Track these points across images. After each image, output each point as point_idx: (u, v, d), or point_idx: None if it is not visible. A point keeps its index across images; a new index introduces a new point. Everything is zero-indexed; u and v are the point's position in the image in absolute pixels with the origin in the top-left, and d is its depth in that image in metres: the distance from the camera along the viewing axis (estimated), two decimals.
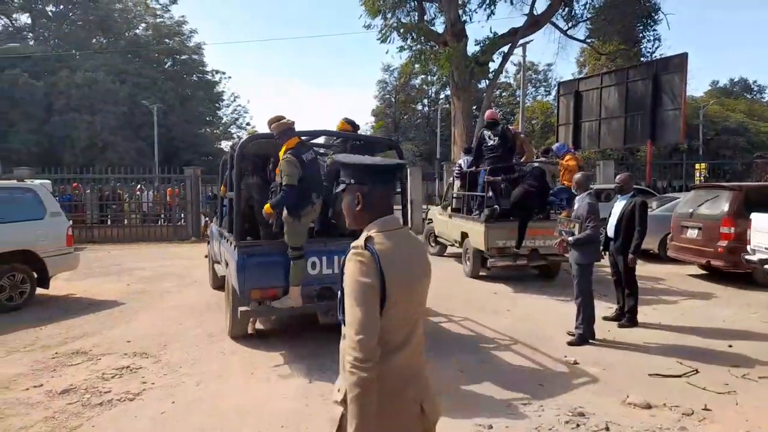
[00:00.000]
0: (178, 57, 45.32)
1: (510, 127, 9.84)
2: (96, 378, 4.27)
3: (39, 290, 6.99)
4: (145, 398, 3.91)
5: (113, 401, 3.82)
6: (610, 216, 5.99)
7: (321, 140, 6.44)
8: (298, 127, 4.95)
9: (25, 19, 40.91)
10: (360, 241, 1.62)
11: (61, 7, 40.45)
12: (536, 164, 8.64)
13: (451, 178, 11.05)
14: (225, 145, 50.45)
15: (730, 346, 5.11)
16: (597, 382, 4.20)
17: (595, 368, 4.52)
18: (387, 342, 1.59)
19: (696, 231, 8.40)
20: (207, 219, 14.54)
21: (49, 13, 40.71)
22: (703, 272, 8.94)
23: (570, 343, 5.17)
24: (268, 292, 4.77)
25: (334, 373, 4.39)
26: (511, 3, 18.19)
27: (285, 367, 4.56)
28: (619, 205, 5.93)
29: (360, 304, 1.54)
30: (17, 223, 6.77)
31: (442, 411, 1.79)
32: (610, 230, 5.94)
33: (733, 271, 7.95)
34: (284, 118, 4.89)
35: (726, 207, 7.98)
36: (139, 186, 16.91)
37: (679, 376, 4.32)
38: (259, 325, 5.89)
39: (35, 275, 6.88)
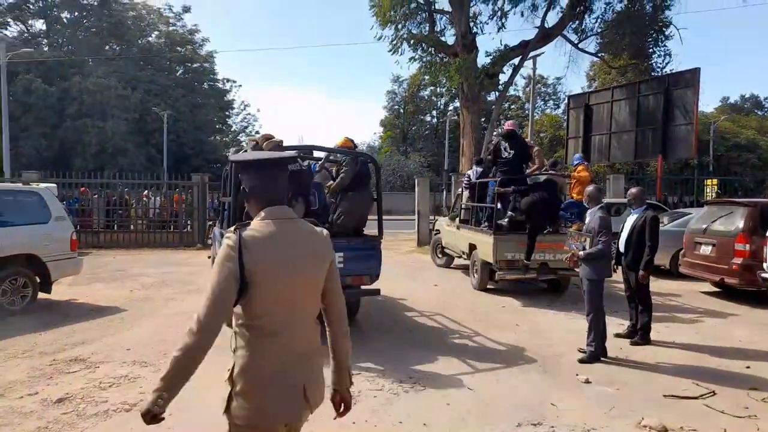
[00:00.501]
0: (189, 65, 45.84)
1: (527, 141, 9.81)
2: (93, 387, 4.16)
3: (41, 295, 6.92)
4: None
5: (109, 412, 3.71)
6: (622, 230, 5.85)
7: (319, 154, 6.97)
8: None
9: (40, 25, 41.57)
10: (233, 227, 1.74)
11: (76, 13, 41.04)
12: (543, 177, 8.54)
13: (460, 189, 10.95)
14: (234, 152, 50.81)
15: (748, 367, 4.93)
16: (610, 403, 4.04)
17: (607, 388, 4.36)
18: (261, 327, 1.70)
19: (709, 247, 8.22)
20: (210, 223, 14.71)
21: (64, 20, 41.32)
22: (716, 289, 8.73)
23: (581, 361, 5.01)
24: None
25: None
26: (522, 15, 18.12)
27: None
28: (631, 219, 5.80)
29: (214, 280, 1.65)
30: (21, 226, 6.72)
31: (324, 394, 1.88)
32: (622, 245, 5.81)
33: (748, 289, 7.75)
34: (273, 137, 5.51)
35: (741, 223, 7.80)
36: (146, 192, 16.91)
37: (696, 398, 4.14)
38: None
39: (38, 279, 6.82)
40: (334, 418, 1.97)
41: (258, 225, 1.74)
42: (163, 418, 1.59)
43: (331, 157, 7.16)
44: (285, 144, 5.45)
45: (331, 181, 6.42)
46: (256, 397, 1.69)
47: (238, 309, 1.71)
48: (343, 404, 1.96)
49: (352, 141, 6.65)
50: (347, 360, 1.96)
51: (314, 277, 1.84)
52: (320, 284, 1.87)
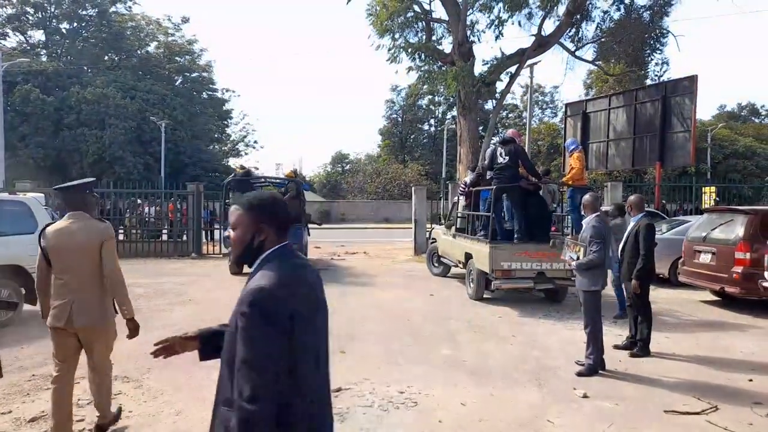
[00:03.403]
0: (188, 74, 45.91)
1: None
2: None
3: (26, 307, 6.74)
4: (121, 429, 3.63)
5: (85, 431, 3.55)
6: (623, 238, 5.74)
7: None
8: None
9: (39, 36, 41.67)
10: None
11: (75, 24, 41.15)
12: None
13: (456, 197, 10.83)
14: (233, 162, 50.93)
15: (751, 380, 4.78)
16: (609, 419, 3.88)
17: (606, 402, 4.21)
18: (55, 275, 3.34)
19: (709, 256, 8.08)
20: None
21: (63, 31, 41.42)
22: (716, 298, 8.59)
23: (579, 374, 4.86)
24: None
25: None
26: (519, 24, 18.07)
27: None
28: (629, 227, 5.68)
29: (39, 257, 3.42)
30: (7, 237, 6.57)
31: (93, 322, 3.40)
32: (619, 253, 5.69)
33: (748, 298, 7.61)
34: (246, 168, 12.73)
35: (741, 231, 7.67)
36: (146, 202, 16.76)
37: (698, 414, 3.99)
38: None
39: (23, 291, 6.65)
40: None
41: (58, 223, 3.41)
42: None
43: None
44: (298, 167, 13.22)
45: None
46: (51, 311, 3.35)
47: None
48: (130, 330, 3.63)
49: (294, 171, 13.90)
50: (119, 298, 3.60)
51: (83, 251, 3.30)
52: (91, 254, 3.34)
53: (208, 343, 1.84)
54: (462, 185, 10.00)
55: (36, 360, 5.10)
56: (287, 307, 1.51)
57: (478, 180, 9.09)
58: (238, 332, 1.50)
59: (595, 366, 4.90)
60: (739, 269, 7.45)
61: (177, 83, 45.08)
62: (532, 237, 7.83)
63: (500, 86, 18.72)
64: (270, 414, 1.44)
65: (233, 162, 50.78)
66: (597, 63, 20.54)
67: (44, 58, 39.32)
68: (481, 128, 23.27)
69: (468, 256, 8.65)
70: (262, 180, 13.25)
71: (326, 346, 1.70)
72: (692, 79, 14.65)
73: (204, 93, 46.83)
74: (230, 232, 1.74)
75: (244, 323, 1.48)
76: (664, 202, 17.32)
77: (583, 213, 5.58)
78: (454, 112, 30.66)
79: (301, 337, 1.53)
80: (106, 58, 42.48)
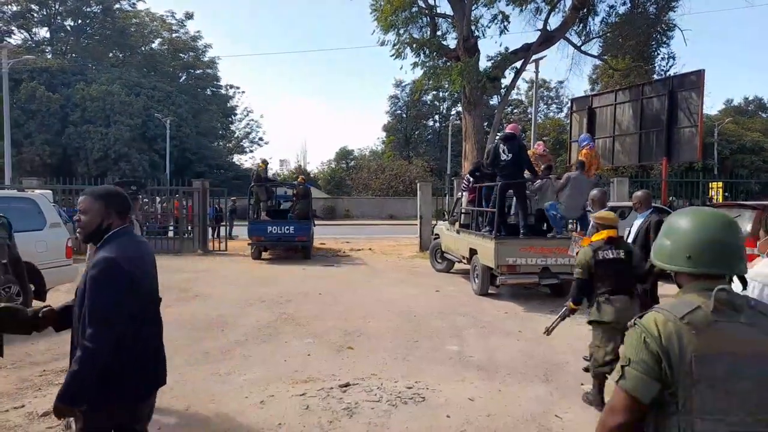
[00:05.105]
0: (192, 71, 46.00)
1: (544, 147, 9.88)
2: None
3: (35, 303, 6.81)
4: None
5: None
6: (628, 235, 5.70)
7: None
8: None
9: (44, 33, 41.84)
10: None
11: (79, 21, 41.26)
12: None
13: (459, 193, 10.81)
14: (237, 158, 51.06)
15: None
16: None
17: None
18: None
19: None
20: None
21: (68, 28, 41.55)
22: None
23: (587, 370, 4.84)
24: (258, 238, 12.77)
25: (333, 398, 4.08)
26: (521, 11, 17.89)
27: (278, 392, 4.30)
28: (636, 223, 5.65)
29: None
30: (16, 233, 6.60)
31: None
32: None
33: None
34: (266, 162, 15.57)
35: (749, 227, 7.58)
36: (155, 198, 16.79)
37: None
38: (250, 345, 5.65)
39: (32, 287, 6.69)
40: None
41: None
42: None
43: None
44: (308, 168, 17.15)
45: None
46: None
47: None
48: None
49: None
50: None
51: None
52: None
53: (63, 318, 2.20)
54: (465, 182, 10.00)
55: (47, 356, 5.16)
56: (125, 271, 2.02)
57: (476, 170, 9.11)
58: (87, 290, 1.99)
59: None
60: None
61: (181, 80, 45.22)
62: (534, 232, 7.85)
63: (505, 82, 18.65)
64: (108, 347, 1.94)
65: (237, 158, 50.98)
66: (603, 58, 20.43)
67: (49, 56, 39.48)
68: (486, 124, 23.24)
69: (473, 252, 8.65)
70: (279, 183, 18.01)
71: (155, 307, 2.28)
72: (699, 74, 14.52)
73: (208, 90, 46.95)
74: (80, 216, 2.13)
75: (91, 283, 1.98)
76: (673, 198, 17.22)
77: (591, 208, 5.55)
78: (459, 108, 30.61)
79: (136, 294, 2.08)
80: (110, 54, 42.62)
